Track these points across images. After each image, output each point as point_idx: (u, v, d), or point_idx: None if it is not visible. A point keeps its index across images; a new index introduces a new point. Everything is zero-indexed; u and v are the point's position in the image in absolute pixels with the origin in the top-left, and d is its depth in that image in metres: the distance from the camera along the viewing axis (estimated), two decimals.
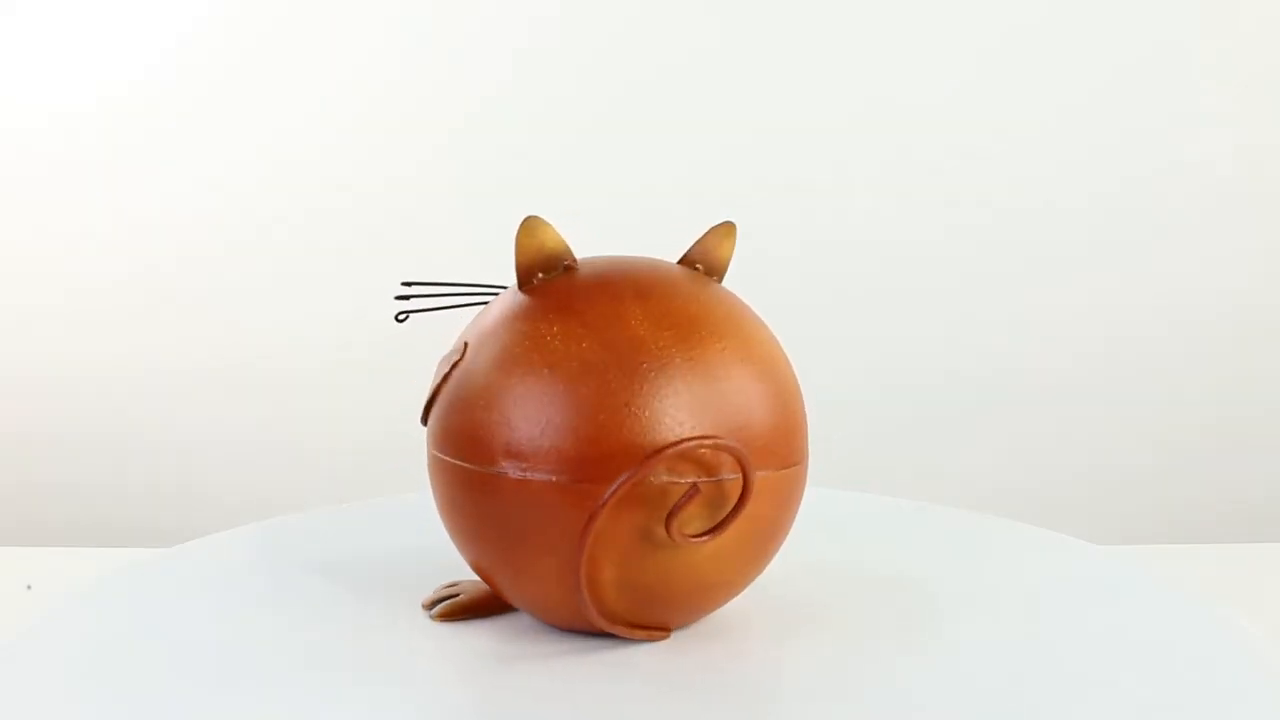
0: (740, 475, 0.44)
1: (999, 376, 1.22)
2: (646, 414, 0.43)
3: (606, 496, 0.42)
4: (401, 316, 0.49)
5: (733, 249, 0.50)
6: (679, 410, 0.43)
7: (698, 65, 1.20)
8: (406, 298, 0.49)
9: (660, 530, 0.43)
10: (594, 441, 0.43)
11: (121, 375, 1.24)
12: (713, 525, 0.44)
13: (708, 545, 0.44)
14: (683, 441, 0.43)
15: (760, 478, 0.44)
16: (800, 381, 0.48)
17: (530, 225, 0.47)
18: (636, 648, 0.47)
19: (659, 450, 0.42)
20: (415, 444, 0.46)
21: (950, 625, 0.50)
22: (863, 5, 1.20)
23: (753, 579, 0.48)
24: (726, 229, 0.50)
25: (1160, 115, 1.20)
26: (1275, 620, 0.64)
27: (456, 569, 0.51)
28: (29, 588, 0.97)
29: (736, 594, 0.49)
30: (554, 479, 0.43)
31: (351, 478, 1.19)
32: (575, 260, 0.48)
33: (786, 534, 0.48)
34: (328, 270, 1.23)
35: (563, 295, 0.46)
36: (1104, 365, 1.22)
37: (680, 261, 0.49)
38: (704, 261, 0.49)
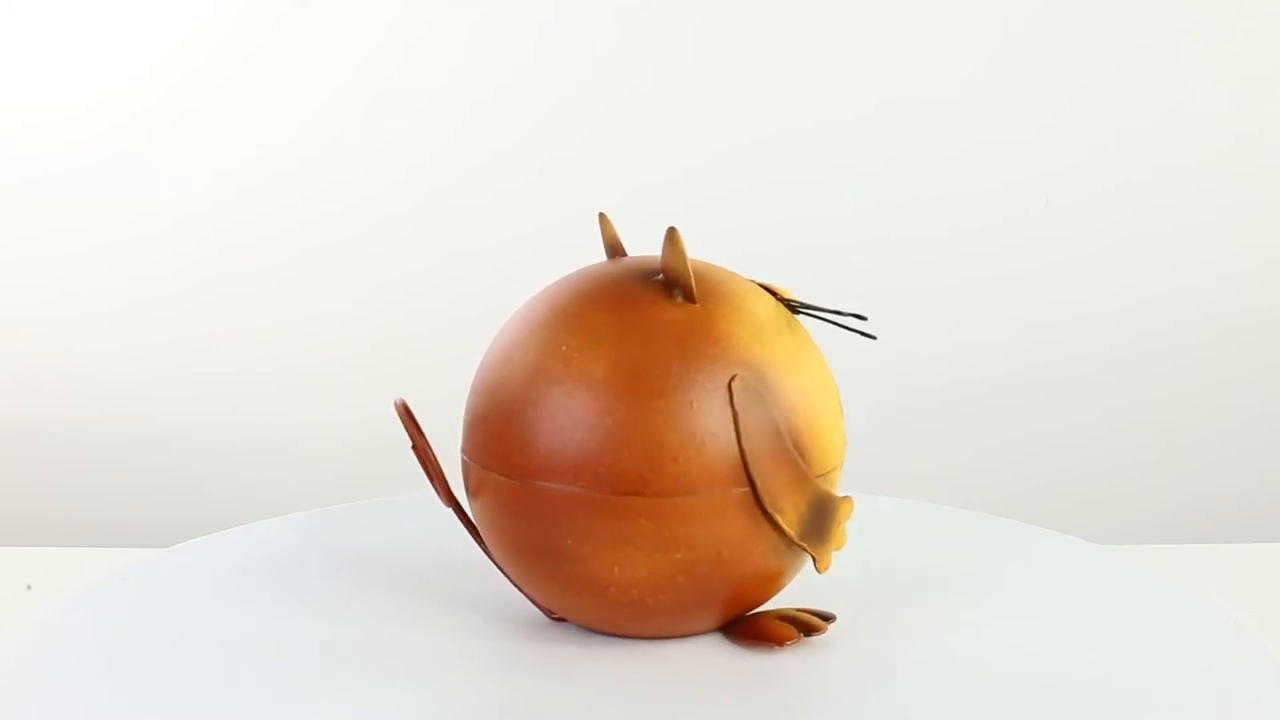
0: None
1: (999, 376, 1.22)
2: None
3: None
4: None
5: (677, 255, 0.44)
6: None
7: (699, 65, 1.20)
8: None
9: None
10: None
11: (121, 375, 1.24)
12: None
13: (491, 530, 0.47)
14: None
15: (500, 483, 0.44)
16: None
17: (601, 219, 0.50)
18: (645, 649, 0.47)
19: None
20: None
21: (950, 625, 0.50)
22: (867, 8, 1.19)
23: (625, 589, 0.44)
24: (667, 234, 0.45)
25: (1161, 114, 1.19)
26: (1276, 620, 0.64)
27: (463, 569, 0.51)
28: (29, 588, 0.97)
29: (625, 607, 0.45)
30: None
31: (351, 478, 1.19)
32: (625, 254, 0.50)
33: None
34: (328, 270, 1.22)
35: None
36: (1104, 365, 1.22)
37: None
38: (666, 272, 0.45)
